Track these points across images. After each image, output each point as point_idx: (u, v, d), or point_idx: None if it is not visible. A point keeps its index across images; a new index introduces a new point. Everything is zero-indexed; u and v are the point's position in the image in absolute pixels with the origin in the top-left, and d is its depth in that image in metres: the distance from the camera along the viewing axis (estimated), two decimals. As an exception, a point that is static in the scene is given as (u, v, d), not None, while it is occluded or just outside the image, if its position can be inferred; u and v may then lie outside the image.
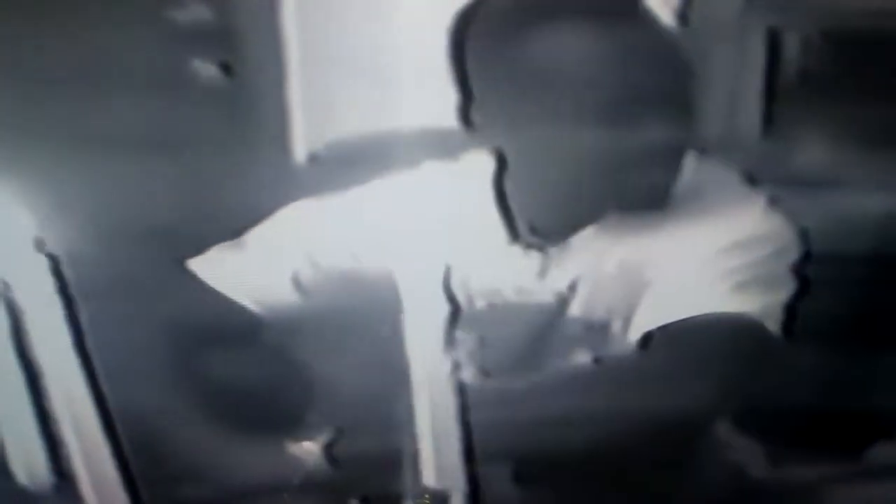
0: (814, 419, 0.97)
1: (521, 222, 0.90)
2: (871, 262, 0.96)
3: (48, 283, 0.86)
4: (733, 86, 0.94)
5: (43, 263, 0.86)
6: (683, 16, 0.85)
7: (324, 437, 0.91)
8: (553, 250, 0.90)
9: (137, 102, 0.94)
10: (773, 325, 0.88)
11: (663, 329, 0.87)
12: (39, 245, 0.86)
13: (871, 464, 0.99)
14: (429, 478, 0.82)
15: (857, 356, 0.98)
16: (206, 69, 0.93)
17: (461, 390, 0.82)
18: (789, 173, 0.95)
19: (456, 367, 0.81)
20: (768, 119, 0.95)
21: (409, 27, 0.90)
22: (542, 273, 0.89)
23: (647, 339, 0.88)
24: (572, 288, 0.90)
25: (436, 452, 0.81)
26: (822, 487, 0.98)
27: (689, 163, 0.89)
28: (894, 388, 0.99)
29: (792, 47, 0.92)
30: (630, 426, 0.84)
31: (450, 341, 0.80)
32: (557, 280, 0.90)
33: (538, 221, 0.90)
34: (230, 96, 0.94)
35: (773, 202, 0.89)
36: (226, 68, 0.93)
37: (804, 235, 0.89)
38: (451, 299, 0.82)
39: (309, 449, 0.90)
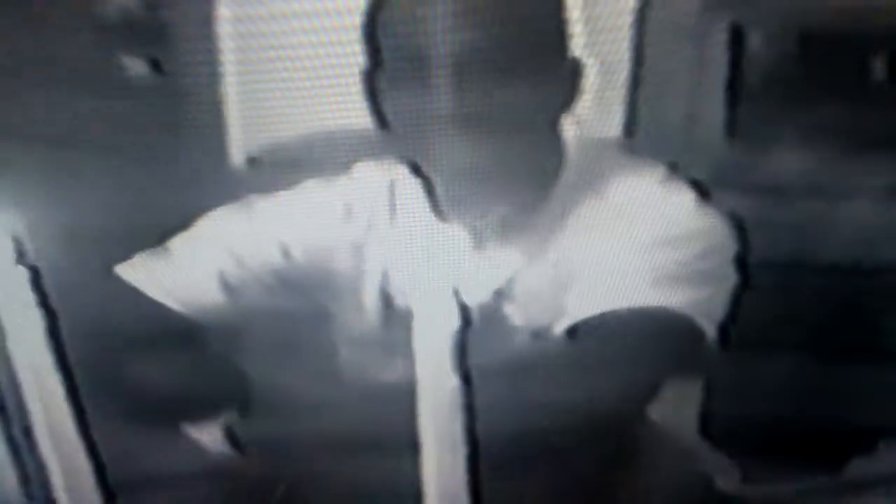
0: (787, 430, 0.93)
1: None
2: (839, 270, 0.92)
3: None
4: (694, 87, 0.89)
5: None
6: (643, 12, 0.80)
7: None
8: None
9: (62, 98, 0.88)
10: (708, 324, 0.84)
11: (591, 321, 0.83)
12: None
13: (849, 478, 0.96)
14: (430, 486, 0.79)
15: (826, 365, 0.95)
16: (134, 65, 0.87)
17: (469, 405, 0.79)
18: (753, 179, 0.91)
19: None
20: (731, 122, 0.90)
21: (349, 26, 0.85)
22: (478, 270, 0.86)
23: (573, 330, 0.84)
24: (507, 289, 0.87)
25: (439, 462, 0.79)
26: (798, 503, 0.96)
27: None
28: (870, 399, 0.95)
29: (756, 45, 0.87)
30: (563, 418, 0.81)
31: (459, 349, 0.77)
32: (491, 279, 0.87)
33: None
34: (162, 94, 0.89)
35: (704, 198, 0.87)
36: (156, 65, 0.87)
37: (741, 234, 0.86)
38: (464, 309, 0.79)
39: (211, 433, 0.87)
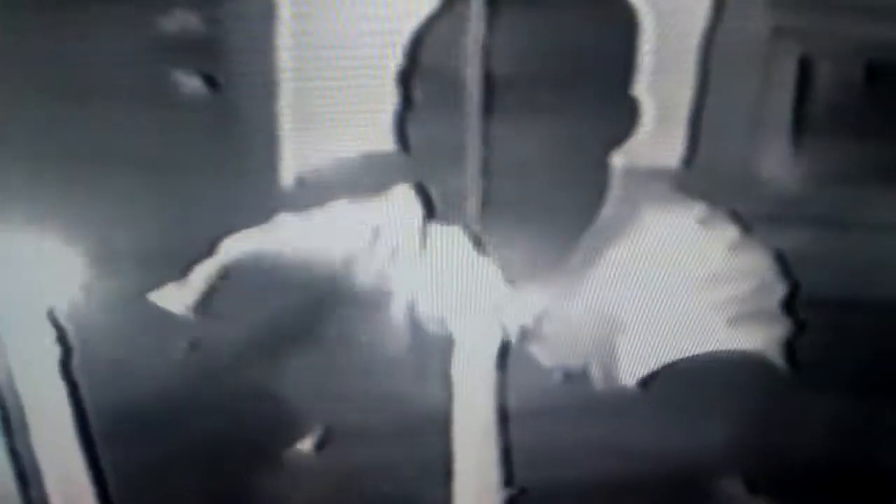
0: (833, 473, 0.90)
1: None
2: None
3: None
4: (758, 119, 0.86)
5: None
6: (709, 37, 0.78)
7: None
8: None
9: (116, 115, 0.88)
10: (779, 363, 0.84)
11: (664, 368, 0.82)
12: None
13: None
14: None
15: (880, 406, 0.91)
16: (189, 81, 0.87)
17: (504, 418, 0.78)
18: (813, 213, 0.88)
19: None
20: (794, 155, 0.87)
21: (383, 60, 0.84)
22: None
23: (647, 380, 0.83)
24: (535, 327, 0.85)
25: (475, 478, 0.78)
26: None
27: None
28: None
29: (825, 79, 0.84)
30: (632, 464, 0.79)
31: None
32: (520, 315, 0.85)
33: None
34: (215, 112, 0.88)
35: (746, 235, 0.86)
36: (210, 81, 0.87)
37: (786, 270, 0.85)
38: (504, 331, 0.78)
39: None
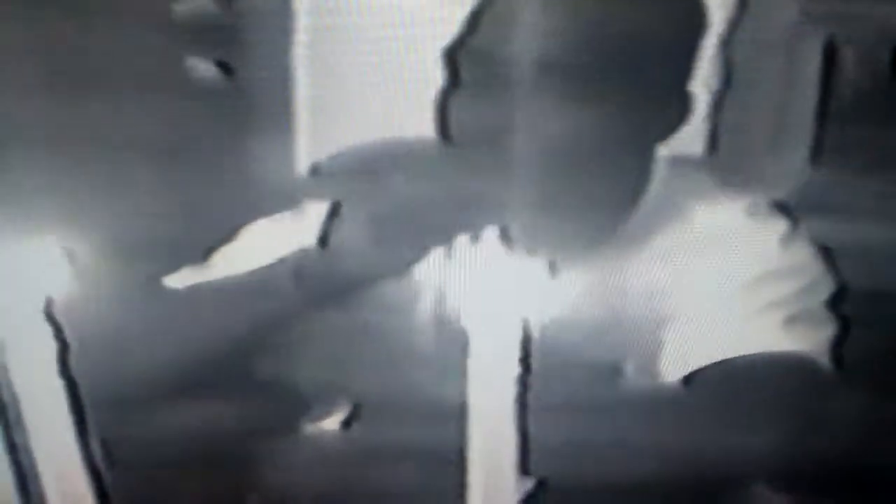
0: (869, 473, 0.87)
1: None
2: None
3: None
4: (782, 105, 0.85)
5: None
6: (734, 24, 0.77)
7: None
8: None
9: (127, 102, 0.87)
10: (825, 364, 0.80)
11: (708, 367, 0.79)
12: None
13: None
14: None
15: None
16: (203, 67, 0.85)
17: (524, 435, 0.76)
18: (840, 203, 0.86)
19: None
20: (819, 142, 0.86)
21: (423, 39, 0.83)
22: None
23: (689, 377, 0.79)
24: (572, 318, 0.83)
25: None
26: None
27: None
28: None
29: (851, 64, 0.83)
30: (673, 464, 0.76)
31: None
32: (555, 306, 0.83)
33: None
34: (229, 98, 0.87)
35: (795, 229, 0.83)
36: (225, 68, 0.85)
37: (836, 268, 0.83)
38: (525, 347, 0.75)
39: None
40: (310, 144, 0.88)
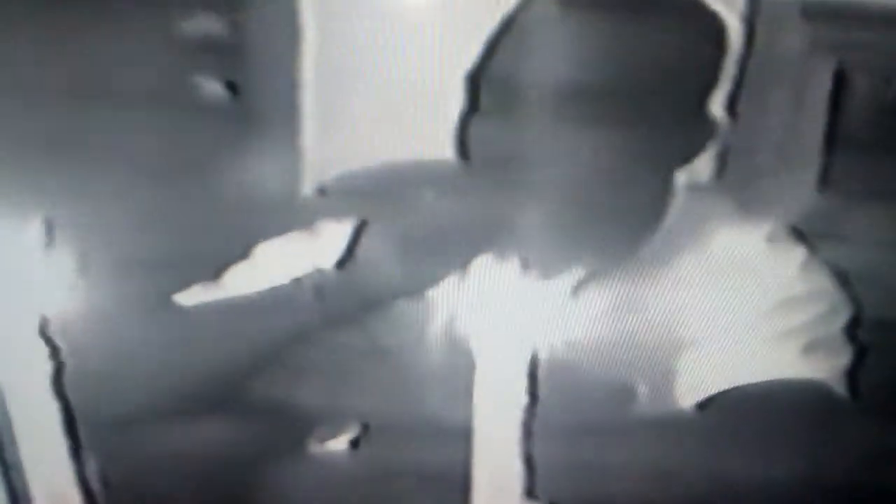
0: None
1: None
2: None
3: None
4: (791, 132, 0.85)
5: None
6: (747, 49, 0.77)
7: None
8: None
9: (135, 119, 0.86)
10: (842, 392, 0.80)
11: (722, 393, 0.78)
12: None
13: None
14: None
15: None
16: (209, 86, 0.85)
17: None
18: (848, 232, 0.86)
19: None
20: (827, 170, 0.86)
21: (430, 60, 0.83)
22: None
23: (704, 402, 0.79)
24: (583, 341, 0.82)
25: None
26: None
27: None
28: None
29: (860, 92, 0.83)
30: (683, 489, 0.75)
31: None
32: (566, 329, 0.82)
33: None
34: (235, 117, 0.86)
35: (813, 255, 0.82)
36: (232, 87, 0.85)
37: (852, 294, 0.82)
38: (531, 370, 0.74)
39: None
40: (316, 164, 0.88)
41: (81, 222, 0.88)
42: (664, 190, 0.82)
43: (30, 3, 0.83)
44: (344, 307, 0.83)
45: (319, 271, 0.82)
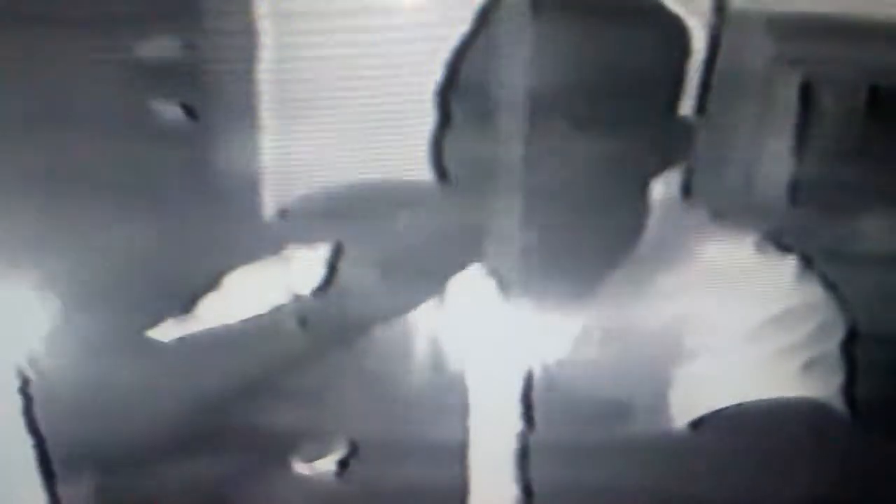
0: None
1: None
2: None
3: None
4: (760, 145, 0.83)
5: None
6: (710, 64, 0.75)
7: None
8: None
9: (92, 143, 0.85)
10: (842, 410, 0.77)
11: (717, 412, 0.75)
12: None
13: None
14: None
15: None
16: (167, 110, 0.84)
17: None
18: (818, 245, 0.85)
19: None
20: (796, 182, 0.84)
21: (387, 80, 0.81)
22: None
23: (698, 421, 0.76)
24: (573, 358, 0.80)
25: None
26: None
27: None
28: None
29: (828, 104, 0.81)
30: None
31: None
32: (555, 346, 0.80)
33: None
34: (194, 141, 0.85)
35: (807, 266, 0.78)
36: (189, 111, 0.84)
37: (846, 307, 0.78)
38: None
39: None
40: (277, 186, 0.87)
41: (45, 252, 0.87)
42: (641, 201, 0.80)
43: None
44: (328, 333, 0.81)
45: (300, 298, 0.81)
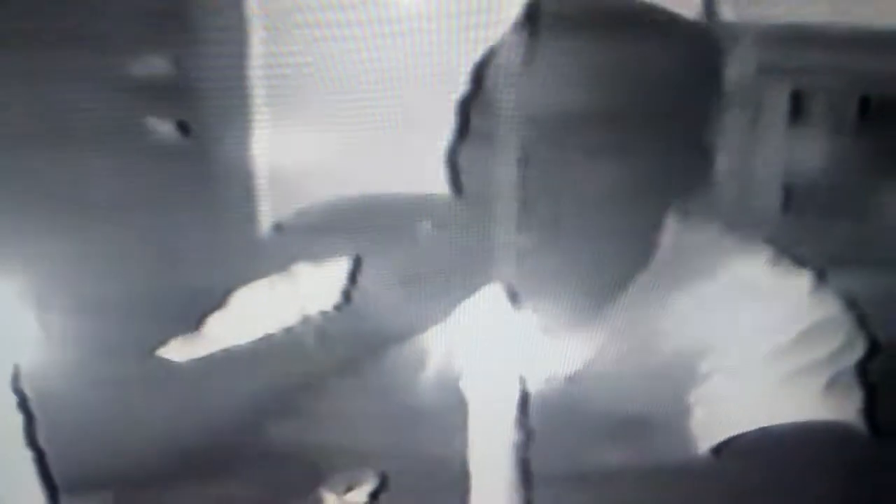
0: None
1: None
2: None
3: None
4: (751, 155, 0.83)
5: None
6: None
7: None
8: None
9: (86, 162, 0.85)
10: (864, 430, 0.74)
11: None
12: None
13: None
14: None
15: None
16: (161, 127, 0.84)
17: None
18: (811, 253, 0.85)
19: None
20: (788, 191, 0.84)
21: (381, 95, 0.81)
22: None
23: (720, 447, 0.74)
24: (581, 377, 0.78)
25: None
26: None
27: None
28: None
29: (818, 113, 0.81)
30: None
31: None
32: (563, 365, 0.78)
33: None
34: (189, 157, 0.86)
35: (821, 279, 0.76)
36: (183, 127, 0.84)
37: (864, 322, 0.75)
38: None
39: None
40: (273, 201, 0.87)
41: (43, 266, 0.87)
42: (658, 222, 0.77)
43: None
44: (348, 350, 0.80)
45: (321, 314, 0.80)
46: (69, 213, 0.88)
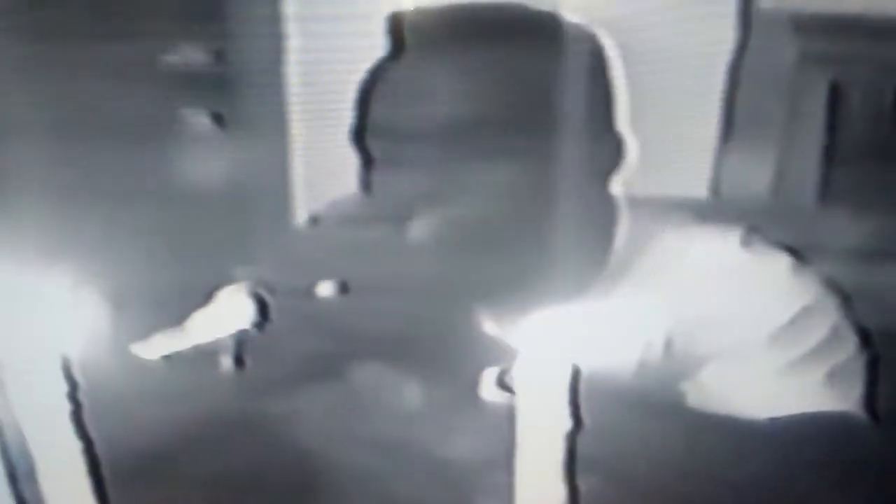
0: None
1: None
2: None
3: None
4: (786, 146, 0.83)
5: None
6: (736, 66, 0.74)
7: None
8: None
9: (124, 152, 0.85)
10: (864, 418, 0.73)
11: None
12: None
13: None
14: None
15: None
16: (197, 119, 0.84)
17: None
18: (847, 245, 0.84)
19: None
20: (824, 183, 0.84)
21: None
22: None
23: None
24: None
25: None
26: None
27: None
28: None
29: (856, 105, 0.81)
30: None
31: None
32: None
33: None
34: (225, 149, 0.86)
35: (801, 261, 0.73)
36: (218, 118, 0.84)
37: (848, 304, 0.74)
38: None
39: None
40: (307, 193, 0.87)
41: (95, 259, 0.87)
42: (602, 207, 0.75)
43: (17, 44, 0.82)
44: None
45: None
46: (114, 204, 0.87)
